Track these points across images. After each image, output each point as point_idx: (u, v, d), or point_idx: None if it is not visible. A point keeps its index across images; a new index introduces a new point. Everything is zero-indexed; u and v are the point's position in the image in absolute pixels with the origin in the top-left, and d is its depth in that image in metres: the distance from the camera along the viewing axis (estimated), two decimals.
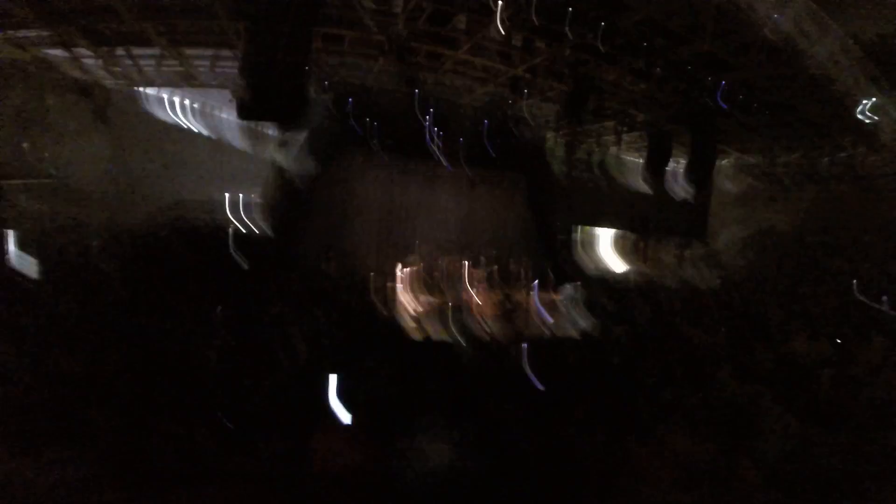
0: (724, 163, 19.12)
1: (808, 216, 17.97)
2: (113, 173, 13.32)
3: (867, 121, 13.14)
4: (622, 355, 5.36)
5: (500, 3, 8.98)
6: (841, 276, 13.81)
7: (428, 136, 15.04)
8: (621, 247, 25.45)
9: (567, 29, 9.87)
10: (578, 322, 10.53)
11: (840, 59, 11.23)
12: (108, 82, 13.98)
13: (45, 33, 10.05)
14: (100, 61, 11.50)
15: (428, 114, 14.23)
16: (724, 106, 12.91)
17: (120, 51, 11.48)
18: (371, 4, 9.33)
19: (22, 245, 7.73)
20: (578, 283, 16.18)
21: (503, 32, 9.49)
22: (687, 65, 11.27)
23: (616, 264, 20.82)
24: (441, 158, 16.32)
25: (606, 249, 24.53)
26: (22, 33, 9.94)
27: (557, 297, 13.83)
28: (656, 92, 13.75)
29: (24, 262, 7.80)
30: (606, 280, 16.75)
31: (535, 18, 9.56)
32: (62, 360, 4.01)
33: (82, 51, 11.23)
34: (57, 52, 11.10)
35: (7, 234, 8.31)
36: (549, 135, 19.93)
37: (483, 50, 11.98)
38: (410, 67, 11.63)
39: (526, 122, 17.56)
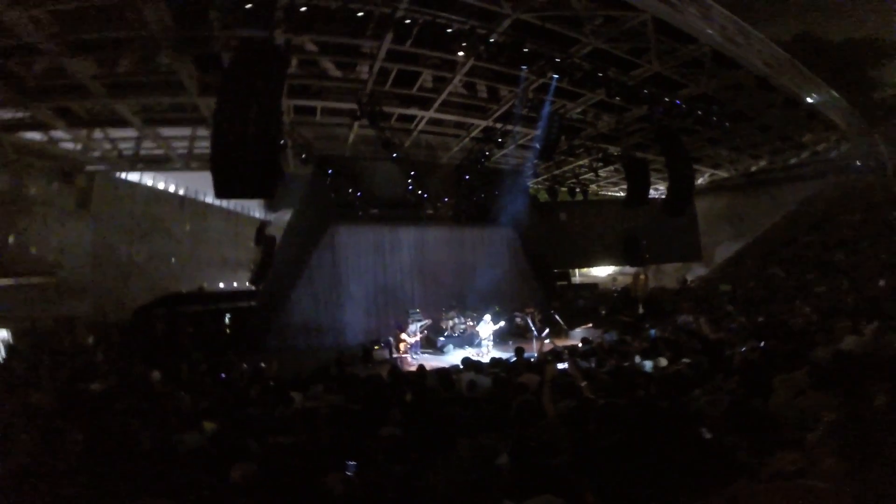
0: (700, 182, 19.59)
1: (796, 216, 18.17)
2: (102, 267, 13.02)
3: (818, 116, 13.79)
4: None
5: (461, 54, 9.61)
6: (849, 271, 13.66)
7: (412, 198, 15.40)
8: (622, 282, 25.28)
9: (524, 69, 10.52)
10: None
11: (772, 62, 11.96)
12: (90, 167, 13.72)
13: (20, 115, 10.10)
14: (79, 145, 11.44)
15: (409, 177, 14.63)
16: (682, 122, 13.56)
17: (98, 133, 11.56)
18: (337, 72, 9.87)
19: (17, 345, 7.38)
20: (590, 325, 15.78)
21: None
22: (642, 89, 11.86)
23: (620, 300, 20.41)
24: (427, 218, 16.65)
25: (608, 287, 24.31)
26: None
27: (570, 343, 13.24)
28: (620, 121, 14.43)
29: (18, 363, 7.38)
30: (615, 318, 16.24)
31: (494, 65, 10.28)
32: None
33: (60, 134, 11.19)
34: (35, 136, 11.12)
35: None
36: (530, 182, 20.51)
37: (452, 106, 12.62)
38: (384, 131, 12.08)
39: (505, 173, 18.15)
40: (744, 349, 6.53)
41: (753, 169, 18.54)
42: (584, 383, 3.73)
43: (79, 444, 3.80)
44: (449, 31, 8.52)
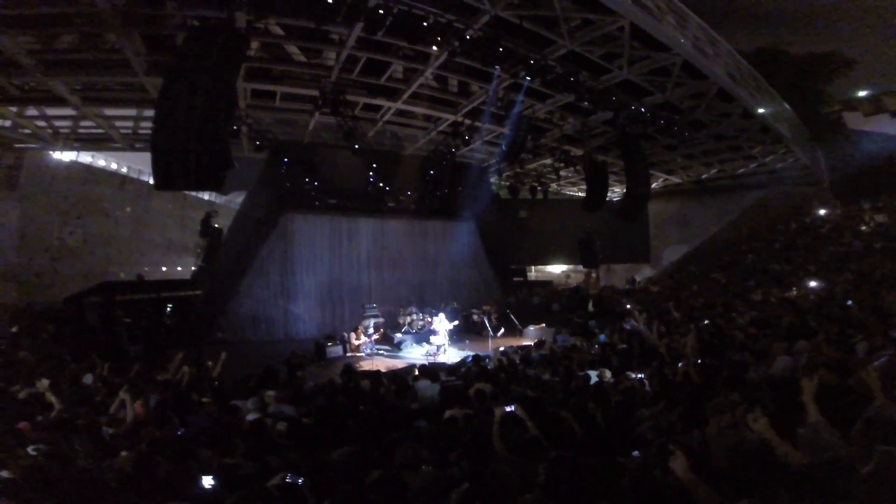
0: (655, 186, 20.27)
1: (739, 223, 19.23)
2: (29, 249, 11.69)
3: (769, 129, 14.48)
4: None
5: (435, 48, 9.17)
6: (785, 278, 14.55)
7: (373, 190, 14.89)
8: (574, 279, 25.99)
9: (498, 68, 10.24)
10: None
11: (735, 74, 12.33)
12: (19, 146, 12.55)
13: None
14: (7, 122, 10.26)
15: (371, 168, 14.07)
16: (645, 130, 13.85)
17: (31, 110, 10.36)
18: (301, 57, 9.18)
19: None
20: (543, 325, 15.96)
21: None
22: (611, 95, 11.91)
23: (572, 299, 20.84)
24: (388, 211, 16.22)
25: (562, 284, 24.88)
26: None
27: (524, 343, 13.30)
28: (585, 124, 14.52)
29: None
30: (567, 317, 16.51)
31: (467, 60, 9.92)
32: None
33: None
34: None
35: None
36: (493, 179, 20.42)
37: (421, 99, 12.15)
38: (347, 121, 11.45)
39: (469, 168, 17.93)
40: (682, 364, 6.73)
41: (703, 176, 19.37)
42: (530, 423, 3.59)
43: None
44: (425, 23, 8.08)
